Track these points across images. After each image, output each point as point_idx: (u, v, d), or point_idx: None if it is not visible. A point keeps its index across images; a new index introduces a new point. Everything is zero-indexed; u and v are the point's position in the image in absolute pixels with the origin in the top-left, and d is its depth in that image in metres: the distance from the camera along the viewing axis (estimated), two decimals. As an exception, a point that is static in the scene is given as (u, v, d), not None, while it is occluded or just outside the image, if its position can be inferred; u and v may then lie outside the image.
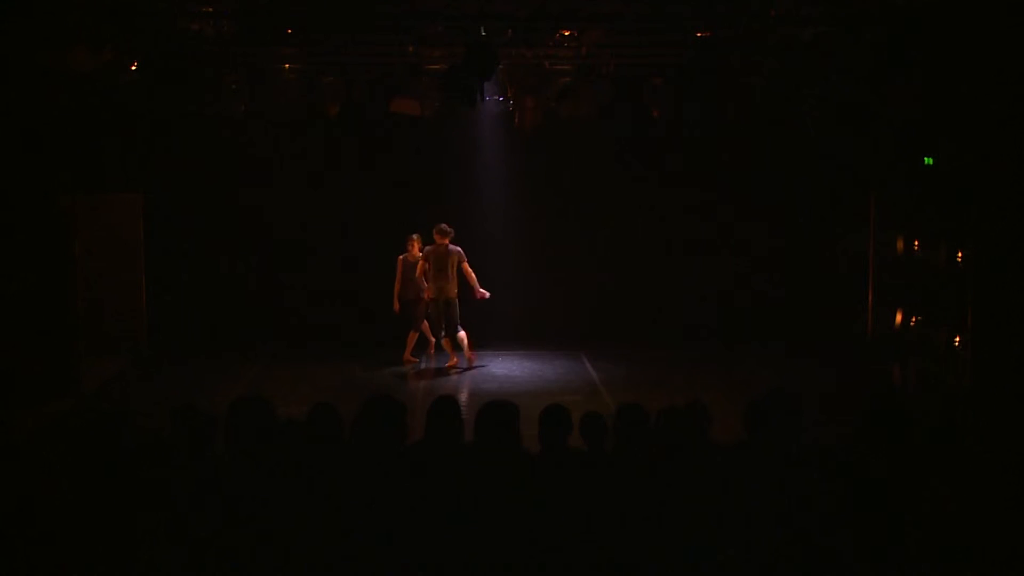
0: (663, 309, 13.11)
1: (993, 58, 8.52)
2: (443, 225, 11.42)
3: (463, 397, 10.15)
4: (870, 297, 11.92)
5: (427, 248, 11.46)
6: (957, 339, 9.64)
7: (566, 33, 9.54)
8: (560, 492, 4.32)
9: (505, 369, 11.63)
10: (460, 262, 11.39)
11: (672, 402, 4.76)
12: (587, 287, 13.25)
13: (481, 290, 11.46)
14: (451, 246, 11.42)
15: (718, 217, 13.12)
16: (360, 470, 4.29)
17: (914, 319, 10.76)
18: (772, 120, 12.16)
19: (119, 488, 4.22)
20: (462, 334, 11.38)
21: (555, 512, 4.24)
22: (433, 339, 11.74)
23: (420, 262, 11.42)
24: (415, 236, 11.66)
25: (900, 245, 11.12)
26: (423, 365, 11.77)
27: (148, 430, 4.66)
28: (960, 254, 9.59)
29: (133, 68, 9.25)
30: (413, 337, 11.64)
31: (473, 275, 11.43)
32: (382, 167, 12.90)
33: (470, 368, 11.50)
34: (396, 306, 11.56)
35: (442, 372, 11.47)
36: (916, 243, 10.73)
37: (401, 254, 11.70)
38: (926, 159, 10.21)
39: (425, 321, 11.65)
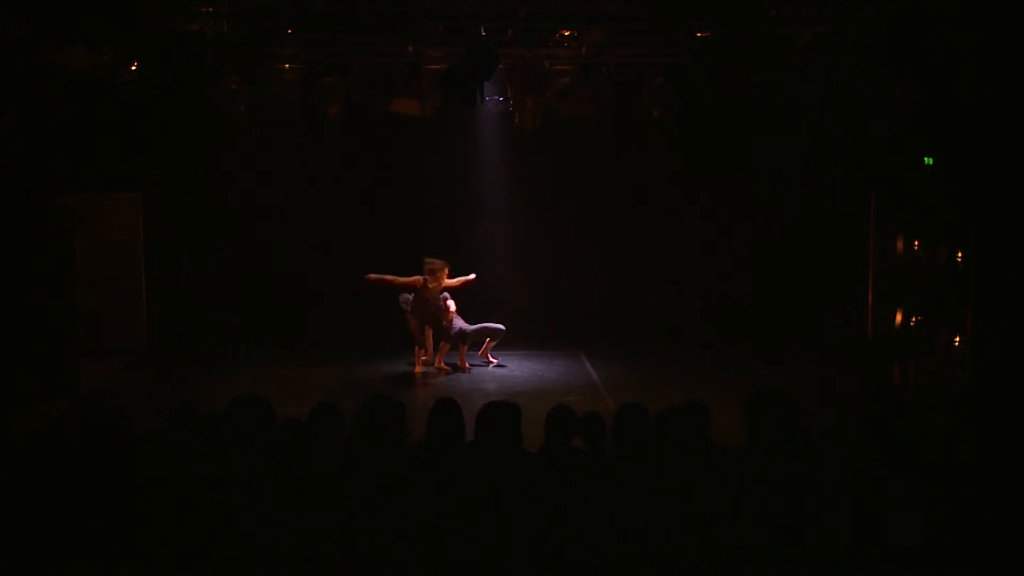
0: (663, 309, 13.10)
1: (993, 57, 8.52)
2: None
3: (464, 397, 10.13)
4: (870, 297, 11.92)
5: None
6: (957, 339, 9.64)
7: (566, 33, 9.55)
8: (560, 492, 4.33)
9: (505, 369, 11.63)
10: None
11: (672, 402, 4.76)
12: (587, 287, 13.24)
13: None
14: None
15: (718, 217, 13.12)
16: (360, 470, 4.29)
17: (914, 319, 10.76)
18: (772, 120, 12.17)
19: (119, 488, 4.22)
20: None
21: (555, 512, 4.24)
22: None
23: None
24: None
25: (900, 245, 11.12)
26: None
27: (147, 430, 4.65)
28: (960, 254, 9.59)
29: (133, 68, 9.24)
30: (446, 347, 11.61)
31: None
32: (382, 167, 12.90)
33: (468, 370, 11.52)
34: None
35: (443, 373, 11.46)
36: (916, 243, 10.73)
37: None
38: (926, 159, 10.21)
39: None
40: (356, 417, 4.46)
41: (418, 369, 11.46)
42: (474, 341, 11.58)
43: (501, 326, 11.67)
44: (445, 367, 11.46)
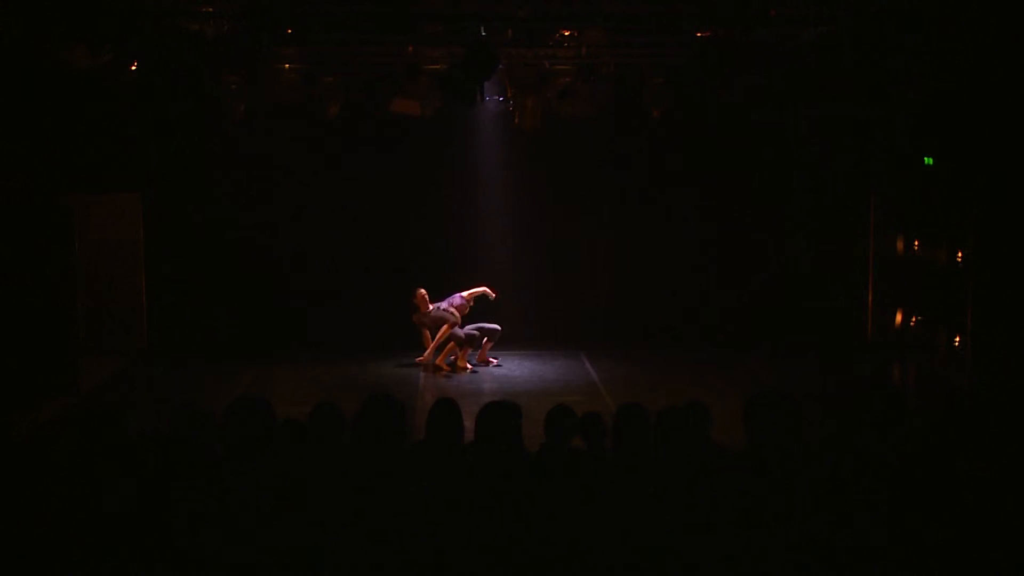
0: (663, 309, 13.10)
1: (993, 57, 8.52)
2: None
3: (464, 397, 10.13)
4: (870, 297, 11.93)
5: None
6: (957, 339, 9.65)
7: (566, 33, 9.54)
8: (560, 492, 4.33)
9: (505, 369, 11.63)
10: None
11: (672, 402, 4.76)
12: (587, 287, 13.25)
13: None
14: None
15: (718, 217, 13.12)
16: (360, 470, 4.29)
17: (914, 319, 10.76)
18: (772, 121, 12.17)
19: (118, 488, 4.22)
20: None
21: (555, 512, 4.24)
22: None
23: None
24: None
25: (900, 245, 11.13)
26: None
27: (148, 430, 4.66)
28: (960, 254, 9.59)
29: (133, 68, 9.24)
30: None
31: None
32: (382, 167, 12.90)
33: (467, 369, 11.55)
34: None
35: (442, 372, 11.47)
36: (916, 243, 10.74)
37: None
38: (926, 159, 10.22)
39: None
40: (356, 417, 4.46)
41: (422, 359, 11.55)
42: (475, 341, 11.64)
43: (497, 326, 11.72)
44: (446, 367, 11.49)
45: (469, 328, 11.64)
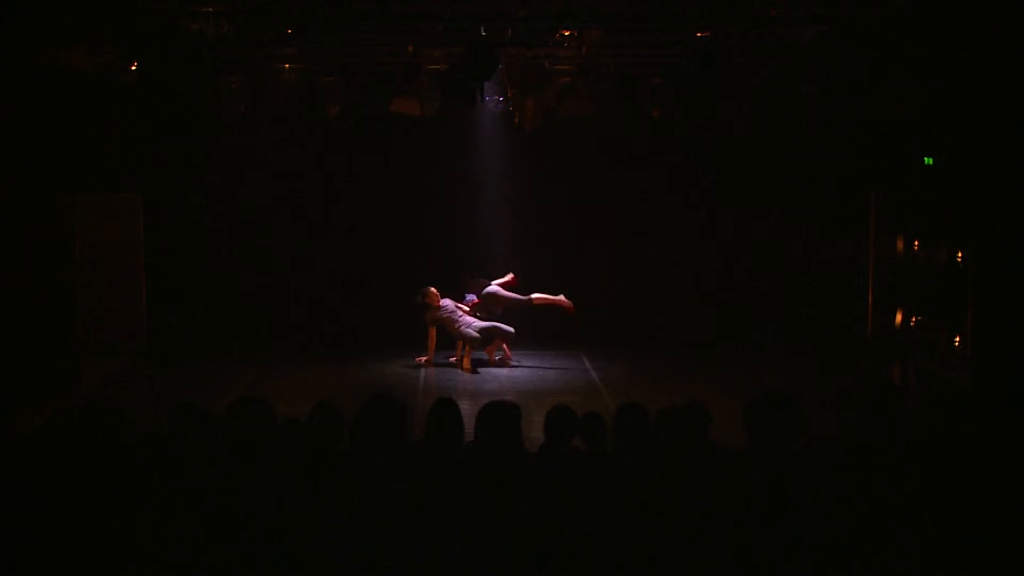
0: (663, 309, 13.10)
1: (993, 57, 8.52)
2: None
3: (463, 397, 10.14)
4: (870, 297, 11.91)
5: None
6: (957, 339, 9.64)
7: (566, 33, 9.54)
8: (560, 492, 4.33)
9: (505, 369, 11.62)
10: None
11: (672, 402, 4.76)
12: (587, 287, 13.23)
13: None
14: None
15: (718, 217, 13.11)
16: (360, 470, 4.29)
17: (914, 319, 10.75)
18: (772, 120, 12.17)
19: (118, 488, 4.22)
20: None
21: (555, 512, 4.24)
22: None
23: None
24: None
25: (900, 245, 11.12)
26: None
27: (148, 430, 4.66)
28: (960, 254, 9.59)
29: (133, 68, 9.24)
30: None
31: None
32: (382, 167, 12.90)
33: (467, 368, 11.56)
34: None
35: (444, 371, 11.47)
36: (916, 243, 10.73)
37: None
38: (926, 159, 10.21)
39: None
40: (356, 417, 4.46)
41: (423, 359, 11.60)
42: (487, 336, 11.62)
43: (511, 328, 11.68)
44: (468, 366, 11.48)
45: (484, 325, 11.61)
